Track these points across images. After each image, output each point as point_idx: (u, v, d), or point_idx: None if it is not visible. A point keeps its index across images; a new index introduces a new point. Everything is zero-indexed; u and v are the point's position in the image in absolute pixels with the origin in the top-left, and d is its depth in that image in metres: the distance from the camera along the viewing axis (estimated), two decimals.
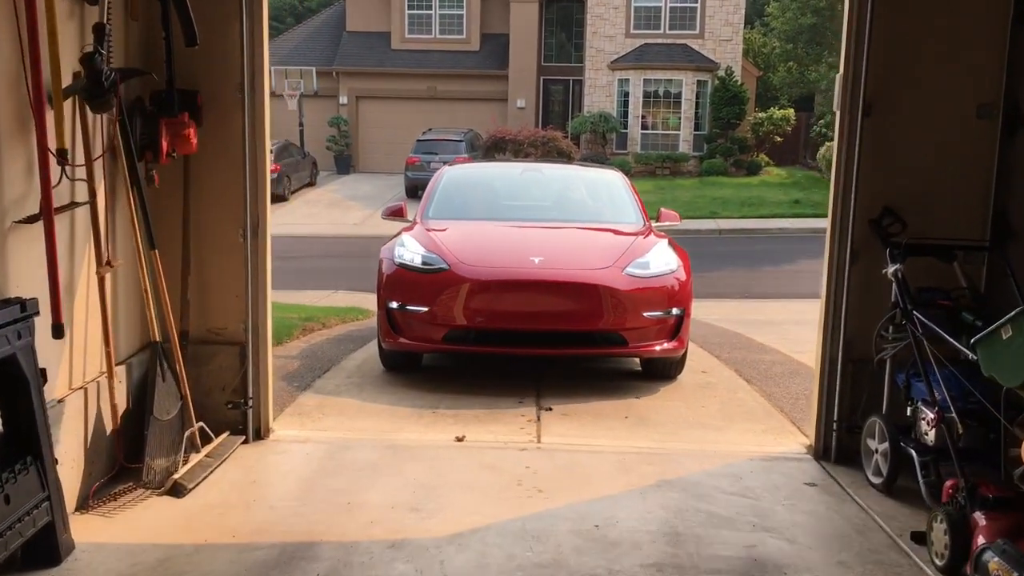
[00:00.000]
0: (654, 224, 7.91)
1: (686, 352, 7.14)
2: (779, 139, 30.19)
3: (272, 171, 26.68)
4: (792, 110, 30.33)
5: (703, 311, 13.42)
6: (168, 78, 4.80)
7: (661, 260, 6.87)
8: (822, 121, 29.50)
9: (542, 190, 8.78)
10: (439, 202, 8.09)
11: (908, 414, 4.70)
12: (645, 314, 6.50)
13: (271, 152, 24.78)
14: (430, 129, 28.97)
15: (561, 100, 32.57)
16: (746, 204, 24.78)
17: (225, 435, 5.14)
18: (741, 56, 30.05)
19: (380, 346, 7.07)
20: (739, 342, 9.41)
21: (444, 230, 7.34)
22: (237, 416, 5.22)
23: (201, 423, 4.95)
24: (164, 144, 4.74)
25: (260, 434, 5.32)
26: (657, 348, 6.64)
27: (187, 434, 4.77)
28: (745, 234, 22.35)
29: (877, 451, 4.81)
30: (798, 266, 17.79)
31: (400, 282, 6.74)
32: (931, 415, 4.44)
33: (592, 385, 6.96)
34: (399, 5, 32.43)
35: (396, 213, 8.35)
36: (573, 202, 8.54)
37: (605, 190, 8.56)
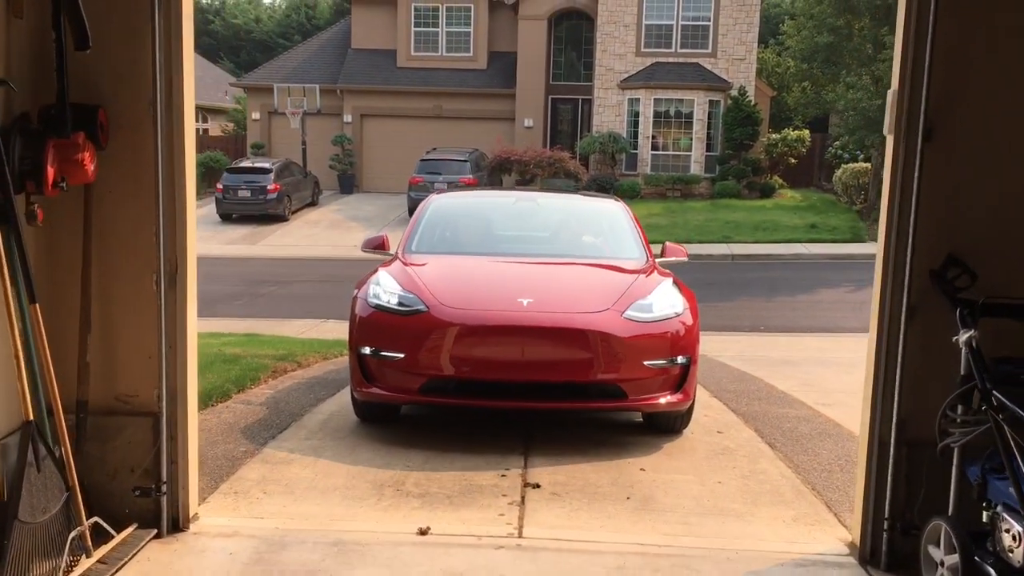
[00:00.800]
0: (658, 260, 7.19)
1: (693, 404, 6.30)
2: (793, 161, 29.16)
3: (272, 191, 25.97)
4: (807, 131, 29.31)
5: (715, 346, 12.39)
6: (59, 90, 3.84)
7: (665, 302, 6.08)
8: (838, 143, 28.48)
9: (536, 222, 8.03)
10: (423, 234, 7.33)
11: (984, 519, 3.67)
12: (647, 363, 5.72)
13: (271, 171, 23.72)
14: (434, 148, 28.07)
15: (569, 120, 31.64)
16: (760, 228, 23.75)
17: (131, 529, 4.15)
18: (755, 76, 29.08)
19: (352, 396, 6.27)
20: (758, 390, 8.36)
21: (425, 266, 6.60)
22: (149, 504, 4.22)
23: (96, 518, 3.95)
24: (50, 171, 3.77)
25: (178, 524, 4.31)
26: (661, 401, 5.85)
27: (72, 535, 3.77)
28: (759, 260, 21.30)
29: (943, 564, 3.77)
30: (816, 296, 16.73)
31: (373, 325, 5.96)
32: (1018, 527, 3.41)
33: (588, 444, 5.96)
34: (405, 22, 31.62)
35: (377, 246, 7.48)
36: (570, 235, 7.77)
37: (606, 222, 7.80)
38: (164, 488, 4.20)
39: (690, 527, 4.64)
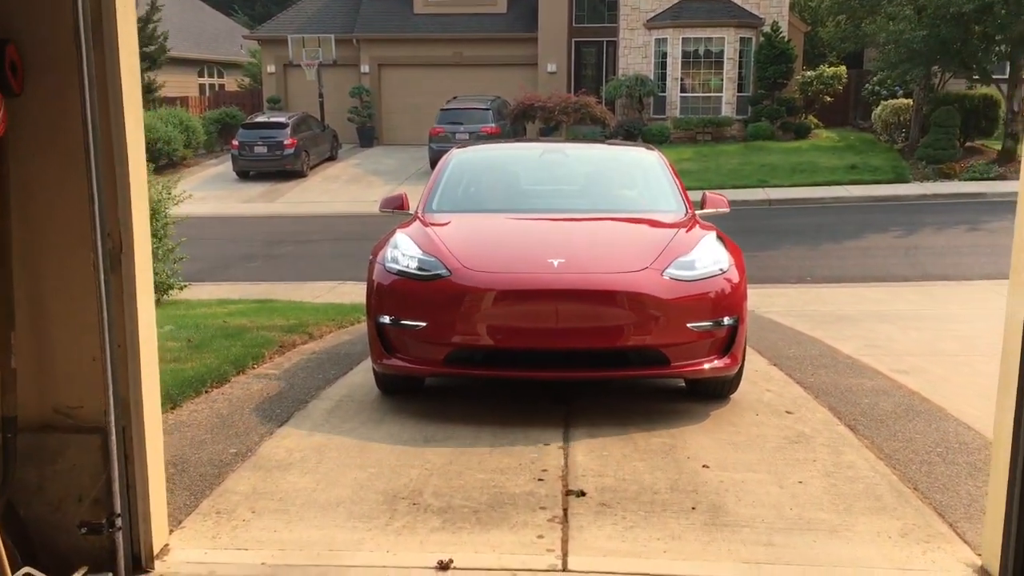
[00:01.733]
0: (698, 213, 6.59)
1: (742, 368, 5.68)
2: (829, 99, 27.69)
3: (289, 146, 24.99)
4: (844, 67, 27.77)
5: (761, 300, 11.38)
6: None
7: (709, 258, 5.48)
8: (876, 79, 26.98)
9: (565, 174, 7.42)
10: (444, 191, 6.78)
11: None
12: (690, 326, 5.17)
13: (288, 125, 22.75)
14: (455, 97, 26.91)
15: (594, 63, 30.26)
16: (797, 171, 22.51)
17: (80, 573, 3.29)
18: (788, 10, 27.51)
19: (373, 368, 5.77)
20: (820, 355, 7.38)
21: (446, 226, 6.06)
22: (102, 542, 3.36)
23: (27, 569, 3.09)
24: None
25: (140, 564, 3.46)
26: (706, 367, 5.27)
27: None
28: (798, 205, 20.12)
29: None
30: (863, 241, 15.60)
31: (392, 292, 5.44)
32: None
33: (634, 424, 5.07)
34: None
35: (396, 206, 6.97)
36: (602, 188, 7.18)
37: (640, 172, 7.23)
38: (118, 521, 3.33)
39: (775, 549, 3.71)
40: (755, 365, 6.95)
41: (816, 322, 9.44)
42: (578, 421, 5.33)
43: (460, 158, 7.39)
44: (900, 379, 6.48)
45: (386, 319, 5.35)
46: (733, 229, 16.84)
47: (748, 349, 7.68)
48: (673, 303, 5.15)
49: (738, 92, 27.41)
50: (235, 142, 25.17)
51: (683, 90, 27.59)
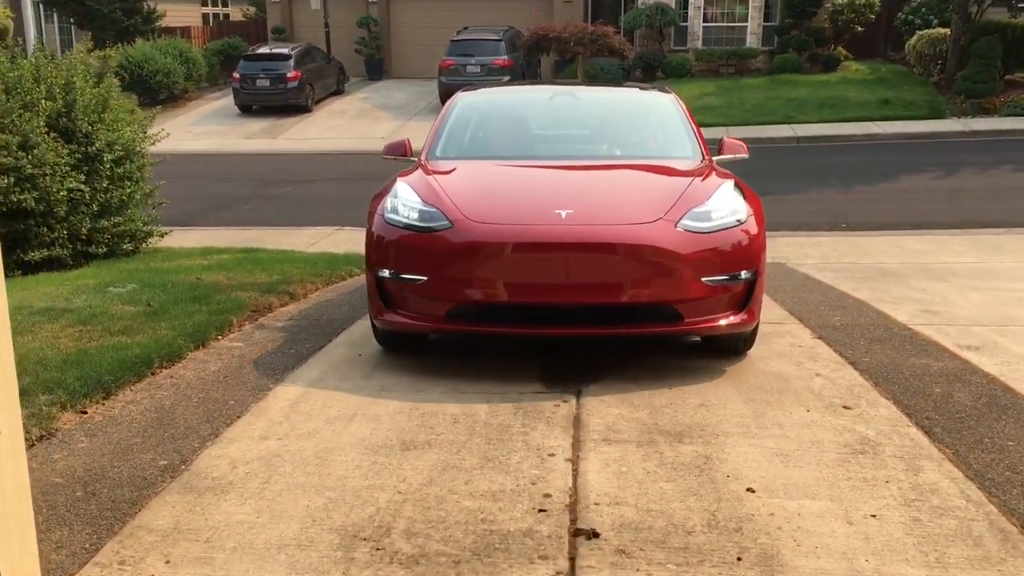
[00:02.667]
0: (716, 159, 6.27)
1: (758, 324, 5.38)
2: (860, 29, 26.07)
3: (292, 79, 23.72)
4: None
5: (795, 251, 10.31)
6: None
7: (726, 208, 5.16)
8: (908, 7, 25.33)
9: (576, 119, 7.13)
10: (449, 137, 6.47)
11: None
12: (705, 280, 4.90)
13: (291, 57, 21.63)
14: (465, 28, 25.49)
15: None
16: (826, 106, 21.15)
17: None
18: None
19: (372, 323, 5.53)
20: (872, 325, 6.34)
21: (450, 174, 5.73)
22: None
23: None
24: None
25: None
26: (722, 323, 4.99)
27: None
28: (828, 142, 18.87)
29: None
30: (899, 183, 14.41)
31: (391, 244, 5.15)
32: None
33: (662, 423, 4.09)
34: None
35: (399, 152, 6.63)
36: (614, 134, 6.85)
37: (654, 117, 6.89)
38: None
39: None
40: (798, 338, 5.95)
41: (858, 279, 8.39)
42: (590, 417, 4.37)
43: (466, 102, 7.02)
44: (972, 359, 5.44)
45: (385, 273, 5.09)
46: (759, 169, 15.67)
47: (787, 316, 6.75)
48: (687, 256, 4.85)
49: (764, 21, 25.85)
50: (236, 75, 23.97)
51: (706, 19, 26.05)
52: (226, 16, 35.32)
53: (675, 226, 4.92)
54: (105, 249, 9.33)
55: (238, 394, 4.74)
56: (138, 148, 9.98)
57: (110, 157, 9.29)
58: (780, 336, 6.01)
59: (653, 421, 4.36)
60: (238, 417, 4.41)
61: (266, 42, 28.19)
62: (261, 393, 4.77)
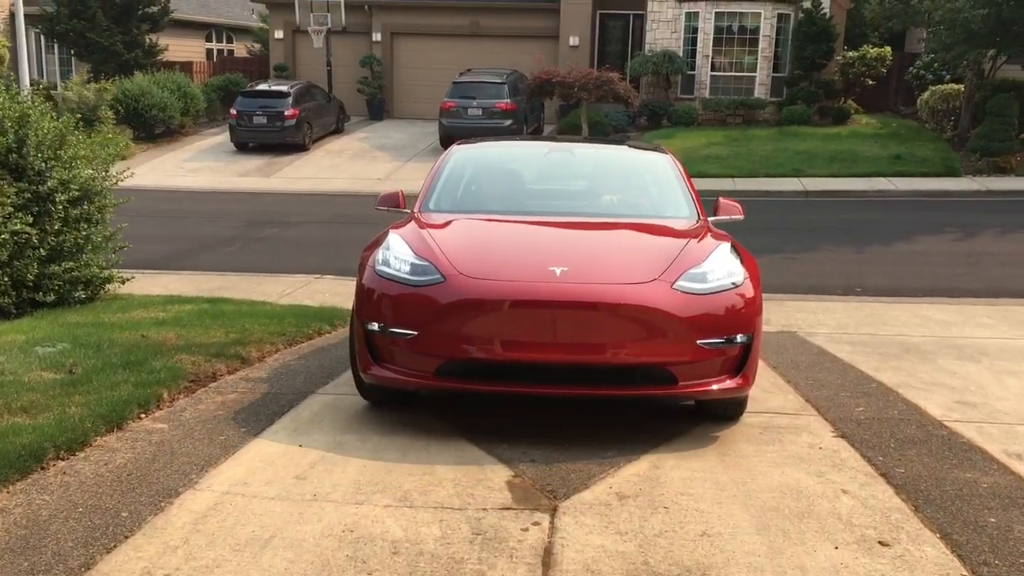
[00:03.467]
0: (711, 219, 6.25)
1: (749, 389, 5.19)
2: (871, 83, 25.45)
3: (290, 116, 22.99)
4: (888, 48, 25.46)
5: (806, 318, 9.42)
6: None
7: (722, 270, 5.13)
8: (920, 62, 24.71)
9: (571, 175, 7.14)
10: (443, 190, 6.46)
11: None
12: (701, 343, 4.83)
13: (290, 95, 20.91)
14: (469, 70, 24.87)
15: (620, 38, 28.07)
16: (836, 159, 20.38)
17: None
18: None
19: (358, 377, 5.44)
20: (903, 420, 5.45)
21: (443, 228, 5.68)
22: None
23: None
24: None
25: None
26: (715, 387, 4.93)
27: None
28: (838, 197, 18.06)
29: None
30: (916, 244, 13.55)
31: (383, 296, 5.10)
32: None
33: (655, 555, 3.21)
34: None
35: (391, 202, 6.66)
36: (609, 192, 6.76)
37: (650, 176, 6.89)
38: None
39: None
40: (818, 436, 5.07)
41: (879, 355, 7.51)
42: (565, 550, 3.47)
43: (461, 155, 6.98)
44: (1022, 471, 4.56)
45: (375, 326, 5.01)
46: (767, 225, 14.88)
47: (803, 405, 5.87)
48: (682, 318, 4.80)
49: (773, 72, 25.21)
50: (233, 111, 23.30)
51: (714, 68, 25.42)
52: (230, 52, 34.88)
53: (671, 287, 4.85)
54: (54, 297, 8.47)
55: (136, 502, 3.85)
56: (99, 187, 9.17)
57: (64, 197, 8.47)
58: (797, 433, 5.14)
59: (643, 558, 3.47)
60: (125, 539, 3.52)
61: (268, 79, 27.62)
62: (165, 501, 3.88)
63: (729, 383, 4.90)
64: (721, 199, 6.60)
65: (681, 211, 6.16)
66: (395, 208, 6.48)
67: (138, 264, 12.05)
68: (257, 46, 33.58)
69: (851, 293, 10.91)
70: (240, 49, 35.57)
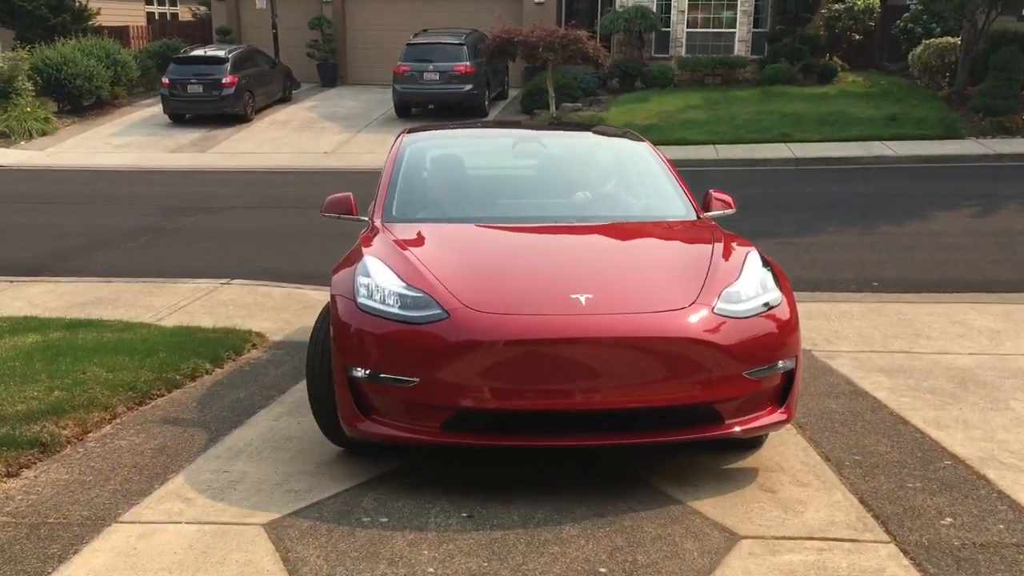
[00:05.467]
0: (705, 215, 5.48)
1: None
2: (858, 38, 23.36)
3: (228, 84, 20.28)
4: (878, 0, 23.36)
5: (819, 328, 7.36)
6: None
7: (758, 285, 4.33)
8: (913, 11, 22.62)
9: (548, 172, 6.17)
10: (404, 192, 5.52)
11: None
12: (746, 374, 4.03)
13: (228, 61, 18.48)
14: (424, 30, 22.54)
15: None
16: (826, 122, 18.36)
17: None
18: None
19: (325, 422, 4.45)
20: (998, 527, 3.48)
21: (425, 243, 4.75)
22: None
23: None
24: None
25: None
26: (760, 423, 4.14)
27: None
28: (832, 164, 16.05)
29: None
30: (931, 222, 11.56)
31: (369, 337, 4.12)
32: None
33: None
34: None
35: (341, 208, 5.61)
36: (596, 189, 5.85)
37: (633, 169, 6.06)
38: None
39: None
40: (877, 560, 3.08)
41: (930, 393, 5.59)
42: None
43: (415, 148, 6.09)
44: None
45: (361, 372, 4.10)
46: (757, 200, 12.62)
47: (861, 513, 3.82)
48: (727, 347, 4.03)
49: (753, 28, 23.07)
50: (165, 80, 20.88)
51: (690, 25, 23.24)
52: (174, 16, 32.19)
53: (712, 311, 4.15)
54: None
55: None
56: None
57: None
58: None
59: None
60: None
61: (211, 44, 25.10)
62: None
63: (776, 416, 4.21)
64: (712, 192, 5.78)
65: (677, 207, 5.51)
66: (347, 215, 5.51)
67: (9, 268, 9.88)
68: (203, 9, 30.90)
69: (866, 288, 8.93)
70: (185, 13, 32.84)
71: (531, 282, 4.39)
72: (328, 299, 4.54)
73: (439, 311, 4.05)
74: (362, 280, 4.32)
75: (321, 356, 4.35)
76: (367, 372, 4.08)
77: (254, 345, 7.09)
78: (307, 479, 4.25)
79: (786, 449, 4.65)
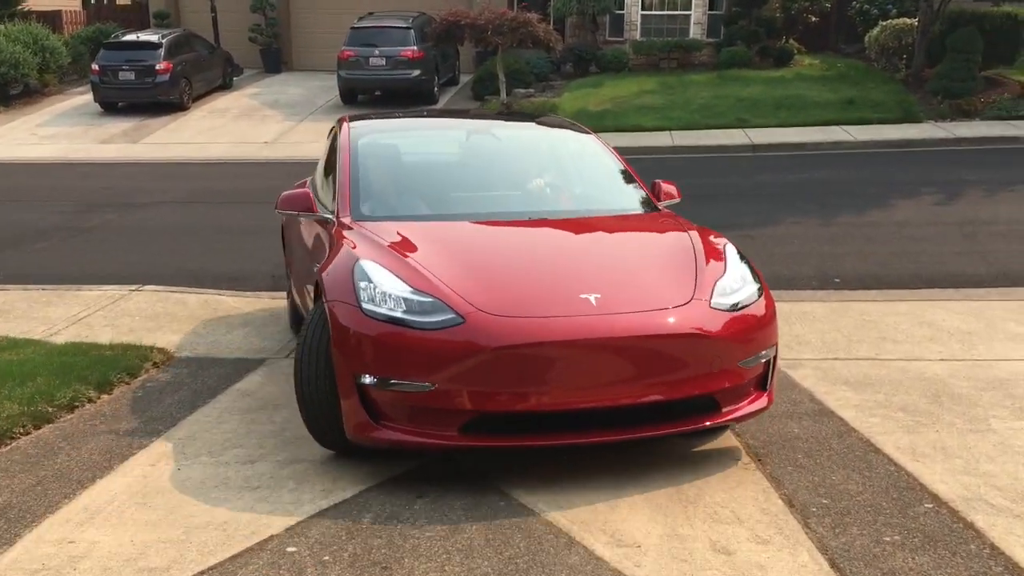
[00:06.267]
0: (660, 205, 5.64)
1: None
2: (814, 19, 22.85)
3: (162, 71, 19.04)
4: None
5: (781, 332, 6.65)
6: None
7: (741, 277, 4.58)
8: None
9: (507, 164, 6.01)
10: (368, 188, 5.34)
11: None
12: (740, 364, 4.26)
13: (161, 46, 17.32)
14: (370, 14, 21.61)
15: None
16: (783, 106, 17.81)
17: None
18: None
19: (315, 428, 4.36)
20: None
21: (413, 243, 4.66)
22: None
23: None
24: None
25: None
26: (748, 409, 4.39)
27: None
28: (790, 150, 15.49)
29: None
30: (893, 212, 11.00)
31: (377, 343, 4.05)
32: None
33: None
34: None
35: (300, 206, 5.36)
36: (558, 182, 5.87)
37: (587, 161, 6.03)
38: None
39: None
40: None
41: (902, 411, 5.02)
42: None
43: (365, 143, 5.80)
44: None
45: (369, 379, 4.03)
46: (712, 189, 11.97)
47: (811, 556, 3.26)
48: (725, 339, 4.25)
49: (709, 10, 22.45)
50: (95, 66, 19.74)
51: (644, 7, 22.56)
52: (111, 1, 30.76)
53: (709, 306, 4.32)
54: None
55: None
56: None
57: None
58: None
59: None
60: None
61: (149, 28, 23.91)
62: None
63: (759, 403, 4.47)
64: (660, 183, 5.84)
65: (636, 198, 5.65)
66: (305, 212, 5.33)
67: None
68: None
69: (828, 284, 8.35)
70: None
71: (538, 282, 4.43)
72: (289, 301, 4.67)
73: (453, 315, 4.03)
74: (363, 284, 4.22)
75: (317, 365, 4.17)
76: (377, 379, 4.02)
77: (154, 364, 6.32)
78: (168, 551, 3.49)
79: (744, 492, 3.99)
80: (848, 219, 10.69)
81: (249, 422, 5.11)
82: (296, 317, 6.72)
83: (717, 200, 11.56)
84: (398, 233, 4.79)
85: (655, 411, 4.19)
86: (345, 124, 6.06)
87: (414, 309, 4.07)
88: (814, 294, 8.06)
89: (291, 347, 6.81)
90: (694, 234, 4.95)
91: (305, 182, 6.68)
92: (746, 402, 4.38)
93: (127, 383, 5.89)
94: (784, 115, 17.31)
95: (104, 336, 6.91)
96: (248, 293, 8.29)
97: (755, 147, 15.67)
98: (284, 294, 8.08)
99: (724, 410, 4.27)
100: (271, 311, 7.76)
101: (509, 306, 4.10)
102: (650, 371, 4.10)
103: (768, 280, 8.40)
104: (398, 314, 4.07)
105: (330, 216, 5.17)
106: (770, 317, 4.51)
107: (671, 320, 4.16)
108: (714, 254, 4.73)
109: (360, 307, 4.13)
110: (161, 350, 6.58)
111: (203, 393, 5.73)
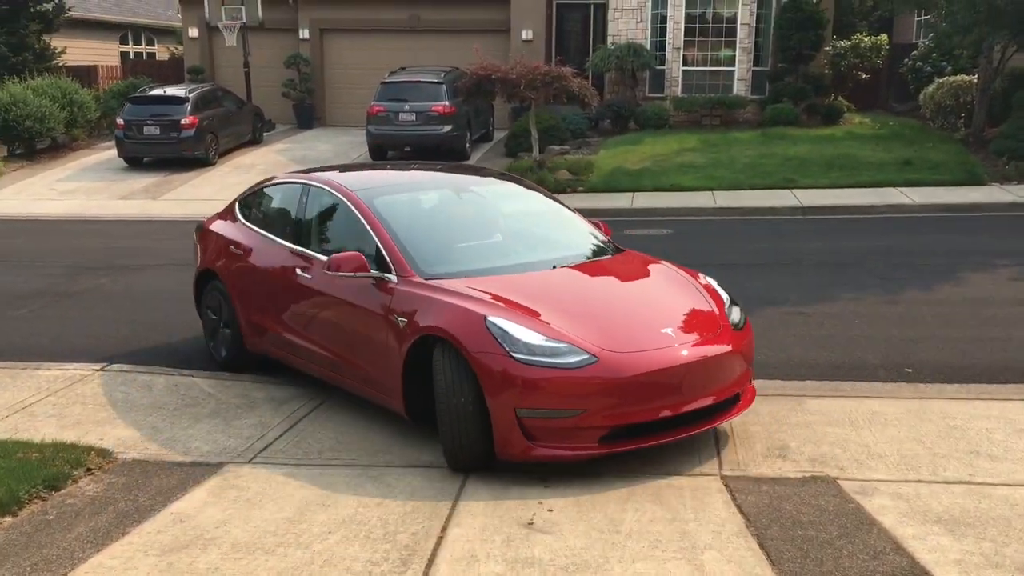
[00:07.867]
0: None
1: None
2: (864, 76, 21.67)
3: (188, 126, 17.99)
4: (885, 36, 21.69)
5: (845, 439, 5.77)
6: None
7: (730, 300, 5.98)
8: (923, 48, 20.92)
9: (501, 220, 6.78)
10: (418, 247, 5.90)
11: None
12: (748, 367, 5.74)
13: (187, 100, 16.47)
14: (402, 68, 20.89)
15: (579, 30, 24.06)
16: (834, 166, 16.55)
17: None
18: None
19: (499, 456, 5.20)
20: None
21: (502, 296, 5.41)
22: None
23: None
24: None
25: None
26: (750, 400, 5.80)
27: None
28: (842, 213, 14.18)
29: None
30: (966, 287, 9.62)
31: (535, 385, 4.97)
32: None
33: None
34: None
35: (354, 265, 5.73)
36: (547, 232, 6.86)
37: (545, 208, 7.03)
38: None
39: None
40: None
41: (1012, 568, 3.68)
42: None
43: (383, 201, 6.29)
44: None
45: (527, 412, 4.99)
46: (758, 256, 10.67)
47: None
48: (744, 352, 5.62)
49: (754, 66, 21.39)
50: (120, 121, 19.18)
51: (686, 63, 21.58)
52: (151, 55, 30.70)
53: (731, 328, 5.60)
54: None
55: None
56: None
57: None
58: None
59: None
60: None
61: (180, 84, 23.50)
62: None
63: (751, 396, 5.78)
64: (600, 223, 6.97)
65: (601, 240, 6.65)
66: (360, 272, 5.69)
67: None
68: (180, 49, 29.43)
69: (898, 375, 7.03)
70: (163, 52, 31.36)
71: (625, 323, 5.40)
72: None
73: (587, 356, 4.98)
74: (507, 338, 4.99)
75: (463, 401, 5.04)
76: (535, 410, 4.95)
77: (88, 470, 5.25)
78: None
79: None
80: (915, 295, 9.34)
81: (164, 569, 3.95)
82: (211, 328, 7.47)
83: (764, 268, 10.32)
84: (479, 289, 5.45)
85: (712, 409, 5.39)
86: (350, 193, 6.37)
87: (555, 353, 4.97)
88: (882, 388, 6.77)
89: (258, 447, 5.70)
90: (679, 270, 6.20)
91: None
92: (748, 395, 5.76)
93: (42, 499, 4.81)
94: (835, 176, 16.04)
95: (44, 430, 5.86)
96: (226, 376, 7.19)
97: (804, 209, 14.40)
98: (269, 378, 7.06)
99: (741, 403, 5.62)
100: (249, 398, 6.67)
101: (622, 344, 5.13)
102: (712, 381, 5.33)
103: (828, 368, 7.17)
104: (545, 360, 4.95)
105: (390, 276, 5.65)
106: (749, 327, 5.87)
107: (721, 343, 5.43)
108: (705, 284, 6.04)
109: (511, 356, 4.95)
110: (101, 451, 5.51)
111: (129, 517, 4.61)
